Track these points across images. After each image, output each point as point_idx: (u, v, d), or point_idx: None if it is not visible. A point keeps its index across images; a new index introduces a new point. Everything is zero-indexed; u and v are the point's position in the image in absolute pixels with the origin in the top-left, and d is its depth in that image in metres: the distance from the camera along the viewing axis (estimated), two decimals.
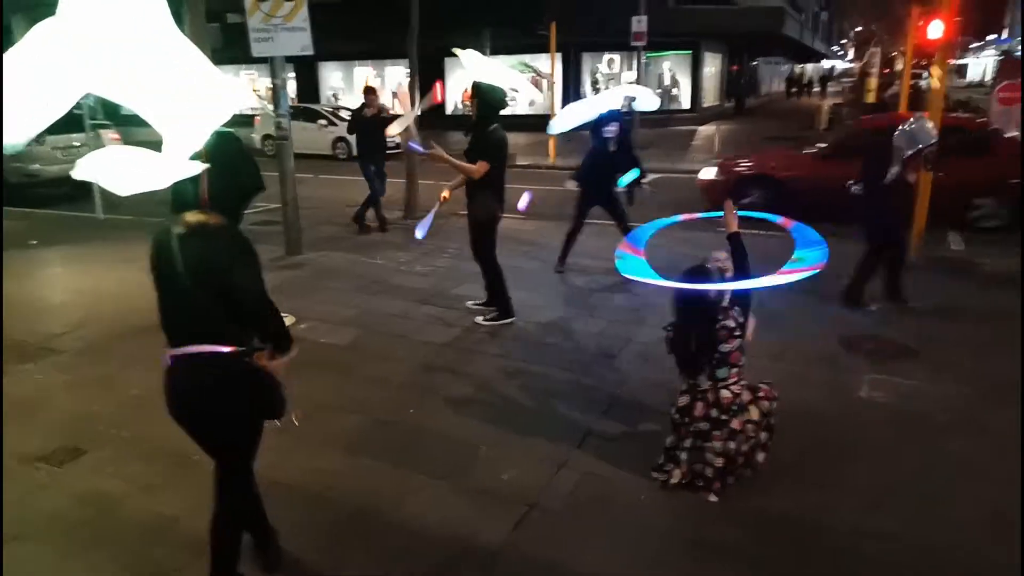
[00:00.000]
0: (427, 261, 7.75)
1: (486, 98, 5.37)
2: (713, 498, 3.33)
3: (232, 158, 2.38)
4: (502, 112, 5.47)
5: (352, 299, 6.43)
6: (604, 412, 4.24)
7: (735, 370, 3.32)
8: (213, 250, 2.28)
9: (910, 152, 5.59)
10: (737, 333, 3.25)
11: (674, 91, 26.91)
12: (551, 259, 7.43)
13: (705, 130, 23.28)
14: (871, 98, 23.98)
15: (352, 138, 17.51)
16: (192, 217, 2.30)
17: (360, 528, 3.23)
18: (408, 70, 13.67)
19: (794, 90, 45.72)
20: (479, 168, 5.30)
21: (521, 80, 5.53)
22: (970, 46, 67.92)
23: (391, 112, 9.84)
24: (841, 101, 28.95)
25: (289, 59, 7.74)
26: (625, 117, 7.42)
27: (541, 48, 19.68)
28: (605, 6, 21.86)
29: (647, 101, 7.61)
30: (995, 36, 60.10)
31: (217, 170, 2.28)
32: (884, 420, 4.12)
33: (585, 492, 3.46)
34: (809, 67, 59.43)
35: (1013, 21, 53.81)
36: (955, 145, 8.43)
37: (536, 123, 19.36)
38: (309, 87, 29.60)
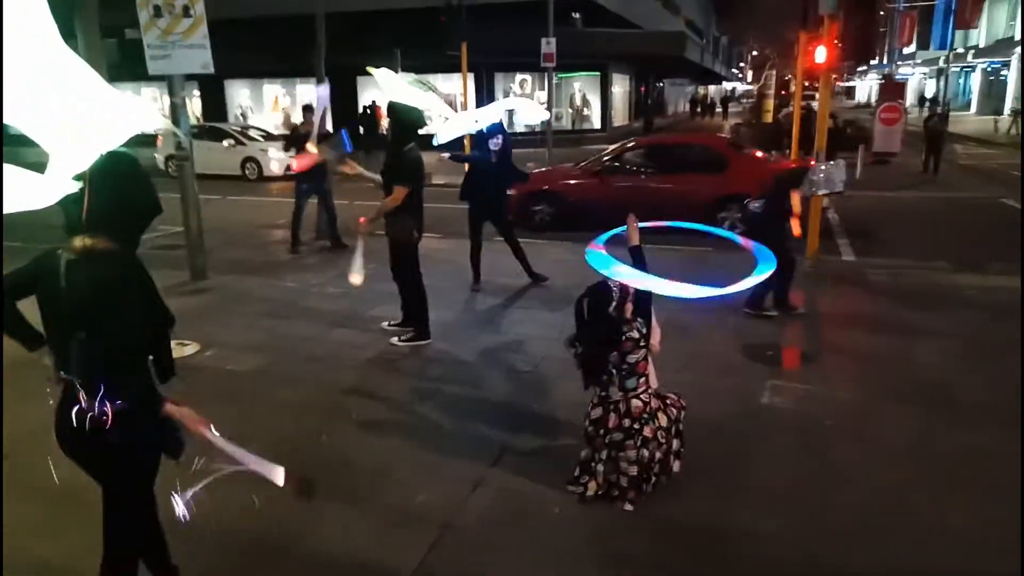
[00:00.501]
0: (340, 283, 7.58)
1: (402, 118, 5.35)
2: (628, 507, 3.40)
3: (125, 179, 2.26)
4: (420, 131, 5.48)
5: (261, 324, 6.23)
6: (520, 428, 4.27)
7: (643, 379, 3.41)
8: (100, 277, 2.17)
9: (823, 191, 6.20)
10: (642, 344, 3.36)
11: (585, 111, 27.60)
12: (469, 277, 7.44)
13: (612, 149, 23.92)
14: (769, 118, 25.36)
15: (263, 157, 17.39)
16: (79, 242, 2.19)
17: (265, 562, 3.13)
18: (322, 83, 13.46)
19: (698, 110, 47.72)
20: (398, 195, 5.27)
21: (435, 100, 5.54)
22: (858, 69, 72.90)
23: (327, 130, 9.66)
24: (740, 121, 30.50)
25: (193, 76, 7.49)
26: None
27: (453, 68, 19.82)
28: (515, 27, 22.27)
29: (531, 114, 7.70)
30: (876, 61, 64.69)
31: (107, 192, 2.18)
32: (783, 425, 4.32)
33: (501, 509, 3.46)
34: (712, 88, 62.29)
35: (891, 47, 58.07)
36: (701, 162, 10.08)
37: (451, 141, 19.48)
38: (216, 105, 28.69)
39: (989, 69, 41.07)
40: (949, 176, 15.91)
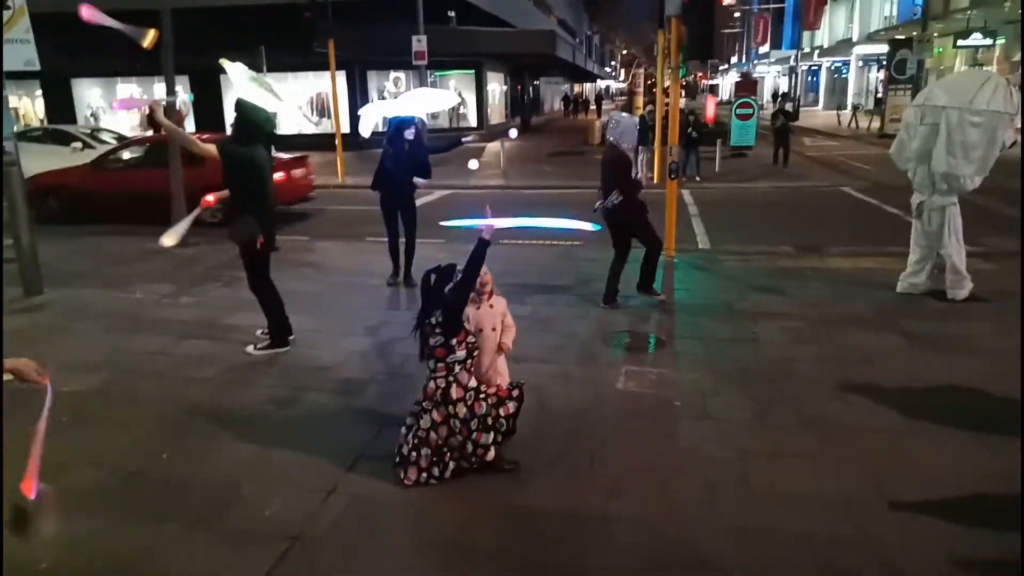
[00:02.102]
0: (194, 291, 7.20)
1: (248, 117, 5.16)
2: (407, 482, 3.54)
3: None
4: (269, 132, 5.28)
5: (102, 340, 5.78)
6: (378, 432, 4.19)
7: (440, 364, 3.50)
8: None
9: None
10: (438, 331, 3.46)
11: (462, 109, 27.65)
12: (334, 280, 7.25)
13: (492, 147, 24.13)
14: (639, 113, 26.41)
15: None
16: None
17: None
18: (177, 87, 12.78)
19: (571, 108, 48.87)
20: (206, 149, 5.15)
21: (274, 100, 5.32)
22: (720, 68, 77.24)
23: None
24: (606, 119, 31.61)
25: (34, 74, 6.85)
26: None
27: (322, 66, 19.25)
28: (387, 25, 21.95)
29: (440, 102, 7.81)
30: (736, 60, 68.87)
31: None
32: (636, 408, 4.49)
33: (352, 516, 3.38)
34: (588, 86, 64.10)
35: (747, 47, 61.94)
36: (186, 157, 9.90)
37: (325, 142, 18.94)
38: (63, 106, 26.52)
39: (832, 67, 44.66)
40: (798, 167, 17.14)
